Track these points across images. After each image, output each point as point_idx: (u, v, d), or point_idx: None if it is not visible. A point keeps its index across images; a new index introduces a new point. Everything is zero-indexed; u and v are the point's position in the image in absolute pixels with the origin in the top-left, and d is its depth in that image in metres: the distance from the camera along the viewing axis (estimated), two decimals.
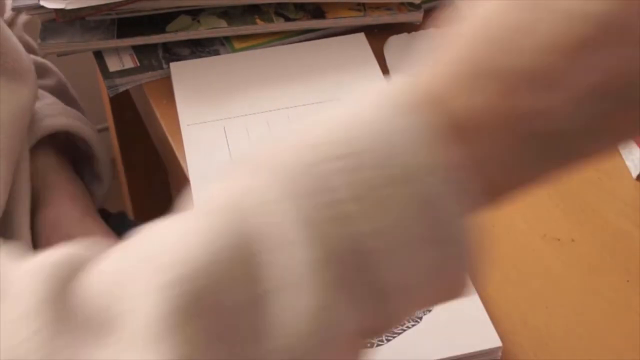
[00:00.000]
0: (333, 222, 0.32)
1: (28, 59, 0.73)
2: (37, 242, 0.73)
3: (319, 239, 0.32)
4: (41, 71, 0.82)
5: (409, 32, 0.84)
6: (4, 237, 0.67)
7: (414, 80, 0.35)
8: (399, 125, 0.33)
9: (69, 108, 0.82)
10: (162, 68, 0.81)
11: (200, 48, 0.83)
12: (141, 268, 0.33)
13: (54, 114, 0.77)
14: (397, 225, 0.33)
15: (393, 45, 0.83)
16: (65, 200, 0.76)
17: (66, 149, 0.81)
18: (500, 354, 0.58)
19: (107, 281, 0.34)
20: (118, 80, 0.81)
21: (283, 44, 0.83)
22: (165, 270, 0.32)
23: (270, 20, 0.83)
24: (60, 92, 0.83)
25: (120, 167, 1.17)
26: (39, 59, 0.80)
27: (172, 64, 0.80)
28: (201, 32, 0.82)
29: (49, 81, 0.84)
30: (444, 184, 0.33)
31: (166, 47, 0.83)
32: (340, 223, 0.32)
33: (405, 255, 0.33)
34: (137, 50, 0.83)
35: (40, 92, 0.80)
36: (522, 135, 0.33)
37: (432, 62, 0.35)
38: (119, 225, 0.82)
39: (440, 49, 0.35)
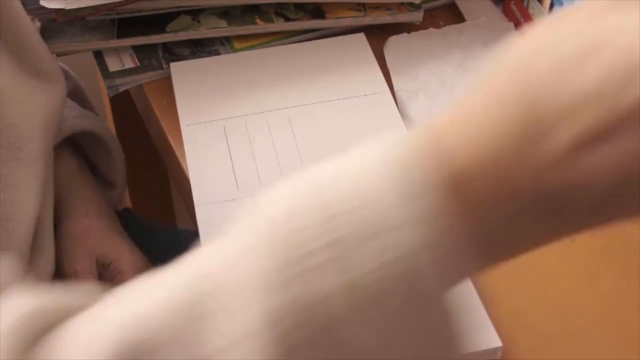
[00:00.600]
0: (297, 284, 0.31)
1: (55, 60, 0.73)
2: (62, 253, 0.73)
3: (277, 297, 0.31)
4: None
5: (409, 32, 0.84)
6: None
7: (427, 132, 0.34)
8: (397, 188, 0.31)
9: (87, 111, 0.82)
10: (162, 68, 0.81)
11: (200, 48, 0.83)
12: (98, 330, 0.33)
13: (76, 115, 0.77)
14: (372, 295, 0.31)
15: (393, 45, 0.83)
16: (91, 213, 0.75)
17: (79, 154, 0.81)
18: (500, 353, 0.58)
19: (66, 344, 0.34)
20: (118, 80, 0.81)
21: (283, 44, 0.83)
22: (117, 330, 0.33)
23: (270, 20, 0.83)
24: (78, 97, 0.83)
25: None
26: (59, 63, 0.81)
27: (172, 64, 0.80)
28: (201, 32, 0.82)
29: (67, 85, 0.84)
30: (431, 264, 0.31)
31: (166, 47, 0.83)
32: (306, 285, 0.31)
33: (378, 324, 0.31)
34: (137, 50, 0.83)
35: None
36: (536, 195, 0.31)
37: (453, 110, 0.34)
38: (123, 222, 0.82)
39: (463, 97, 0.34)
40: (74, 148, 0.79)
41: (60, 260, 0.74)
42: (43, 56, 0.70)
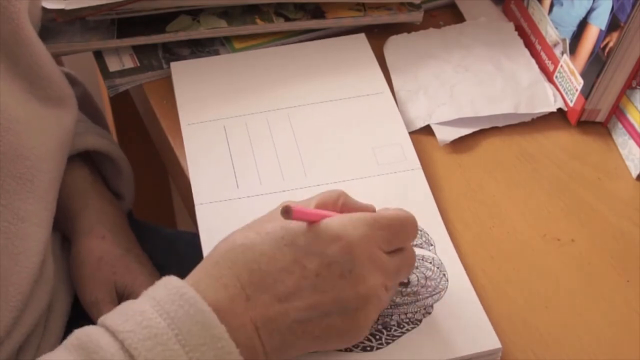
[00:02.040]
0: None
1: (68, 85, 0.73)
2: (80, 280, 0.73)
3: None
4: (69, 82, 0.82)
5: (409, 32, 0.84)
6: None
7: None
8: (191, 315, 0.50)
9: (96, 126, 0.81)
10: (162, 68, 0.81)
11: (200, 48, 0.83)
12: None
13: (82, 132, 0.77)
14: None
15: (393, 45, 0.83)
16: (107, 234, 0.75)
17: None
18: (500, 355, 0.58)
19: None
20: (118, 80, 0.81)
21: (283, 44, 0.83)
22: None
23: (270, 20, 0.83)
24: (85, 103, 0.83)
25: None
26: (65, 69, 0.80)
27: (172, 64, 0.80)
28: (201, 32, 0.82)
29: (74, 92, 0.84)
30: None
31: (166, 47, 0.83)
32: None
33: None
34: (137, 50, 0.83)
35: None
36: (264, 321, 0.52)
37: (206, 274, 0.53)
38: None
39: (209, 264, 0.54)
40: (84, 159, 0.79)
41: (77, 286, 0.73)
42: (56, 82, 0.70)
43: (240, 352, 0.50)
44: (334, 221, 0.55)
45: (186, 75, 0.79)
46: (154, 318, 0.50)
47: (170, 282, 0.52)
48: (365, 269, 0.54)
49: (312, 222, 0.54)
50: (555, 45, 0.78)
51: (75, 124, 0.73)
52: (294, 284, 0.53)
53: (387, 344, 0.58)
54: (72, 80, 0.79)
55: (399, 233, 0.57)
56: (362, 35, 0.83)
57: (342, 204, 0.58)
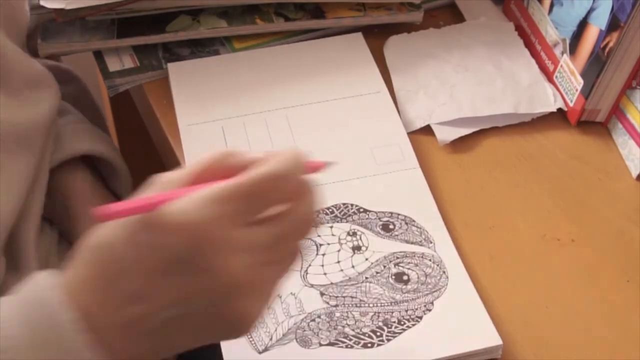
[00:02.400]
0: None
1: (39, 66, 0.72)
2: None
3: None
4: (64, 78, 0.81)
5: (409, 32, 0.84)
6: (10, 251, 0.66)
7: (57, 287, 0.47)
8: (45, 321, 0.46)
9: (93, 128, 0.81)
10: (162, 68, 0.81)
11: (200, 48, 0.83)
12: None
13: (79, 136, 0.77)
14: None
15: (393, 45, 0.83)
16: None
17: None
18: (500, 352, 0.58)
19: None
20: (118, 80, 0.81)
21: (283, 44, 0.83)
22: None
23: (270, 20, 0.82)
24: (82, 100, 0.83)
25: None
26: (63, 65, 0.80)
27: (169, 64, 0.80)
28: (201, 32, 0.82)
29: (70, 89, 0.83)
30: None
31: (166, 47, 0.83)
32: None
33: None
34: (137, 50, 0.83)
35: (66, 106, 0.80)
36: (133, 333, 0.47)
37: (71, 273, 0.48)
38: None
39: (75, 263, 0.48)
40: (84, 160, 0.79)
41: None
42: (20, 72, 0.68)
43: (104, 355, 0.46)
44: (174, 208, 0.47)
45: (184, 76, 0.79)
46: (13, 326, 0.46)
47: (37, 284, 0.48)
48: (219, 256, 0.46)
49: (147, 211, 0.48)
50: (555, 45, 0.78)
51: (55, 107, 0.72)
52: (145, 284, 0.47)
53: (388, 340, 0.58)
54: (69, 77, 0.78)
55: (265, 195, 0.48)
56: (359, 35, 0.82)
57: (228, 166, 0.50)
